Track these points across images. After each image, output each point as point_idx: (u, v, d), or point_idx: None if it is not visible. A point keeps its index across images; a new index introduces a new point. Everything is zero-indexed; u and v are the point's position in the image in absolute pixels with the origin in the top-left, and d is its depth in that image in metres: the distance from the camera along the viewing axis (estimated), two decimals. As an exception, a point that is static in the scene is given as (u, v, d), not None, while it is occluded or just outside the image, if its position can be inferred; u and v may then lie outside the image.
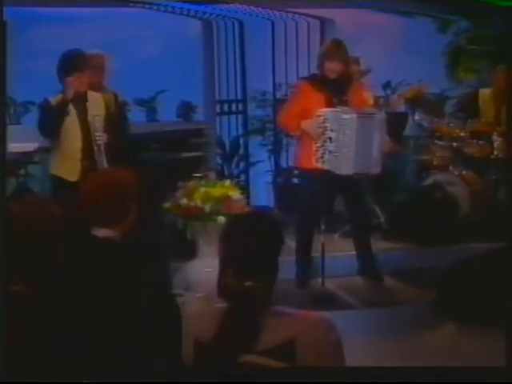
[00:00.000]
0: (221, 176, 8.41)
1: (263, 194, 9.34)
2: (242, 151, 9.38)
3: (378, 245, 7.24)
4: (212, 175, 6.28)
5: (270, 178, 9.36)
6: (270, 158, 9.38)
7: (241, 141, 9.39)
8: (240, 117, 9.51)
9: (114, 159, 6.06)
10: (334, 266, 6.80)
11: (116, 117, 7.22)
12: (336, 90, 6.34)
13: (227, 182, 6.23)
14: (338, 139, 6.21)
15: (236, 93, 9.44)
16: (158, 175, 6.91)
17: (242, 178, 9.37)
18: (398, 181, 8.29)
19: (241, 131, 9.50)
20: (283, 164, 9.30)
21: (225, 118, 9.46)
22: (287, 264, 6.71)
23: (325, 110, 6.27)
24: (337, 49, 6.39)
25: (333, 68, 6.33)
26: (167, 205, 6.01)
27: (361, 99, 6.59)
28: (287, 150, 9.10)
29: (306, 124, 6.30)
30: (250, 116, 9.47)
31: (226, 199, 5.90)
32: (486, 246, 6.85)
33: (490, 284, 6.25)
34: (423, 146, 8.16)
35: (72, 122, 6.13)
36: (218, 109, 9.40)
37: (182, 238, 6.13)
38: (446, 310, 6.28)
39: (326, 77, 6.37)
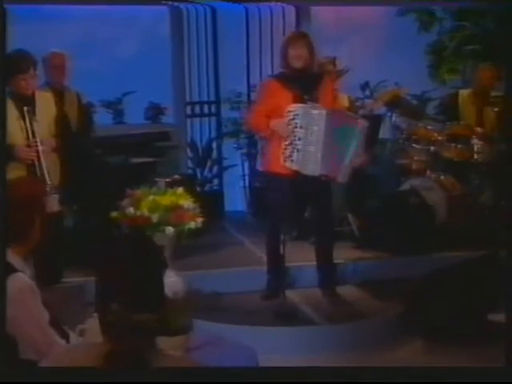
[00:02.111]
0: (192, 181, 8.09)
1: (238, 199, 9.02)
2: (215, 155, 9.03)
3: (350, 254, 6.92)
4: (162, 182, 5.87)
5: (244, 183, 9.02)
6: (244, 161, 9.03)
7: (214, 144, 9.03)
8: (213, 119, 9.14)
9: (70, 164, 5.63)
10: (304, 276, 6.50)
11: (79, 118, 6.92)
12: (305, 85, 6.01)
13: (179, 190, 5.82)
14: (306, 136, 5.91)
15: (208, 94, 9.09)
16: (115, 181, 6.59)
17: (216, 182, 9.04)
18: (373, 186, 7.92)
19: (214, 134, 9.14)
20: (259, 168, 8.94)
21: (196, 120, 9.09)
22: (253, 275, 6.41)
23: (295, 106, 5.95)
24: (300, 36, 6.10)
25: (297, 54, 5.97)
26: (114, 214, 5.64)
27: (331, 96, 6.23)
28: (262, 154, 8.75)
29: (275, 123, 5.98)
30: (224, 118, 9.11)
31: (175, 208, 5.52)
32: (465, 255, 6.54)
33: (467, 295, 5.96)
34: (401, 149, 7.80)
35: (16, 130, 5.59)
36: (188, 111, 9.04)
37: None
38: (418, 325, 5.98)
39: (293, 72, 6.03)
